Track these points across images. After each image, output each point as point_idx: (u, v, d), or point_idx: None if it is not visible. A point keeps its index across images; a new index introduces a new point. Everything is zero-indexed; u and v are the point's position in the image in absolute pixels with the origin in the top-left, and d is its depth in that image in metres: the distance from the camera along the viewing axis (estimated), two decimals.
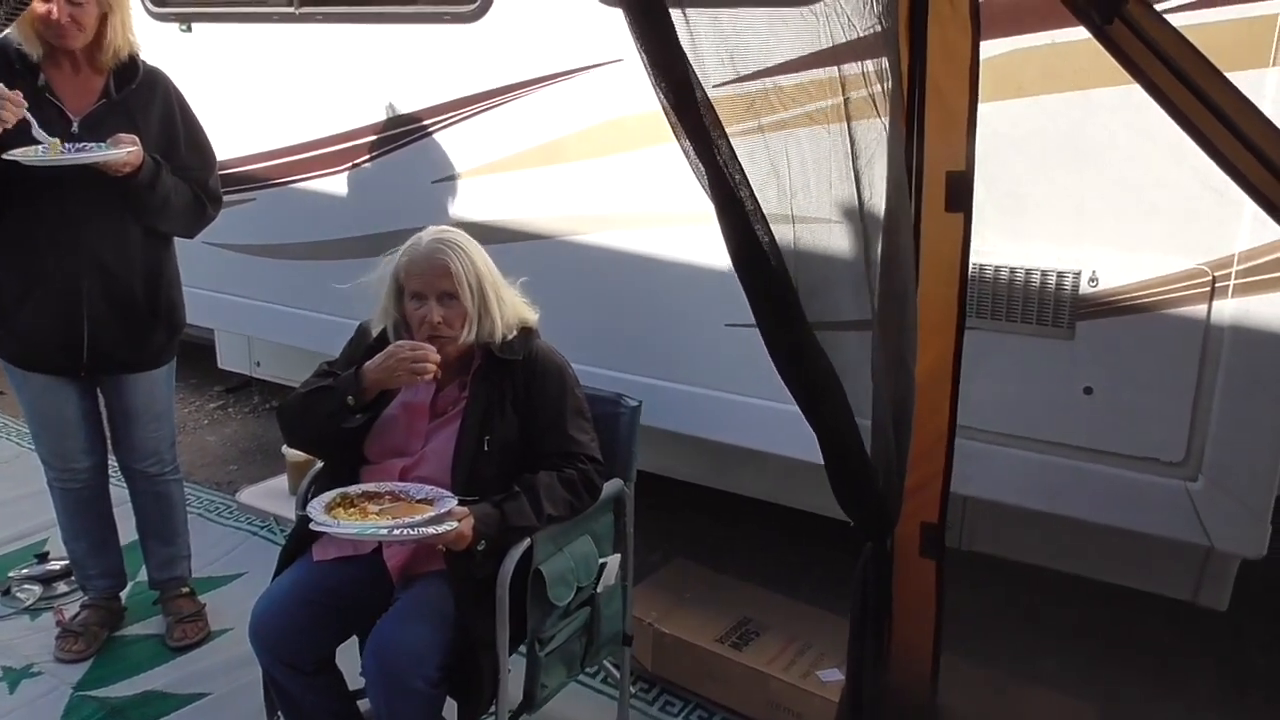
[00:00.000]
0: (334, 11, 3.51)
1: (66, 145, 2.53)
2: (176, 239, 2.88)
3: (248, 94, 3.74)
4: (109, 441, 2.98)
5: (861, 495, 1.54)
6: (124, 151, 2.50)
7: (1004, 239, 2.37)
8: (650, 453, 2.63)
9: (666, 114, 1.27)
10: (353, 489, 2.19)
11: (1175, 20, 2.09)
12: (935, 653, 1.65)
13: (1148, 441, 2.33)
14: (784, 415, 2.76)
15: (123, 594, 3.14)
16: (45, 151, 2.48)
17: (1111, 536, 2.49)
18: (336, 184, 3.59)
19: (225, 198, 2.92)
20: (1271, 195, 1.37)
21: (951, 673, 1.85)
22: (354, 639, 2.29)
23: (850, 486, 1.54)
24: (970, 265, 2.40)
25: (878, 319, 1.57)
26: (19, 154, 2.45)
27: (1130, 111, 2.03)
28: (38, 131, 2.47)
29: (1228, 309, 2.20)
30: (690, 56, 1.25)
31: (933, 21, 1.55)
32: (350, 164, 3.54)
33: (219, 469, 4.36)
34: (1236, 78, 2.03)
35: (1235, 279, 2.19)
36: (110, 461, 3.00)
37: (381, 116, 3.41)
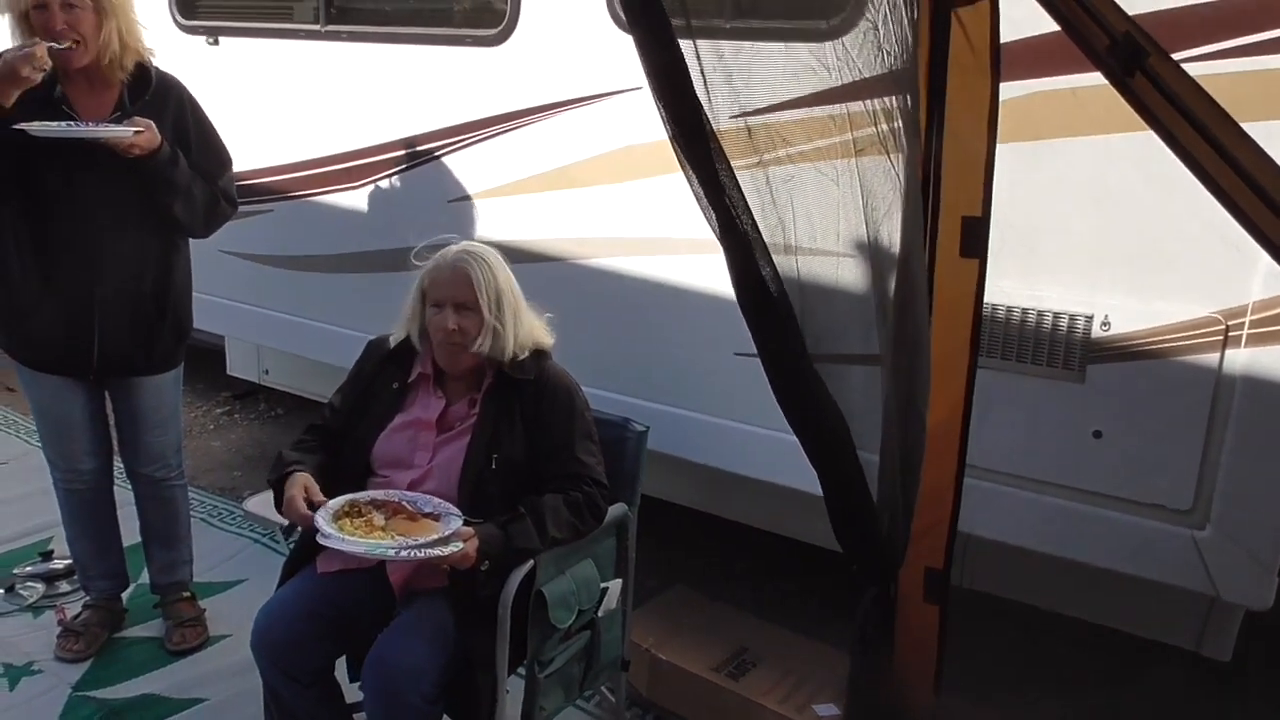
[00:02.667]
0: (359, 31, 3.55)
1: (78, 123, 2.55)
2: (191, 245, 2.90)
3: (271, 107, 3.77)
4: (115, 444, 2.99)
5: (865, 539, 1.54)
6: (130, 130, 2.51)
7: (1017, 280, 2.37)
8: (653, 478, 2.63)
9: (672, 144, 1.28)
10: (361, 496, 2.19)
11: (1193, 69, 2.11)
12: (935, 696, 1.64)
13: (1156, 488, 2.32)
14: (788, 445, 2.77)
15: (124, 595, 3.15)
16: (61, 127, 2.49)
17: (1116, 582, 2.48)
18: (354, 199, 3.62)
19: (243, 207, 2.94)
20: None
21: (950, 714, 1.84)
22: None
23: (853, 530, 1.53)
24: (986, 305, 2.44)
25: (889, 362, 1.57)
26: (30, 125, 2.45)
27: (1148, 159, 2.04)
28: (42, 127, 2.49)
29: (1240, 358, 2.20)
30: (700, 89, 1.26)
31: (953, 66, 1.56)
32: (369, 180, 3.57)
33: (223, 474, 4.37)
34: (1253, 128, 2.05)
35: (1249, 329, 2.19)
36: (116, 464, 3.01)
37: (402, 135, 3.44)
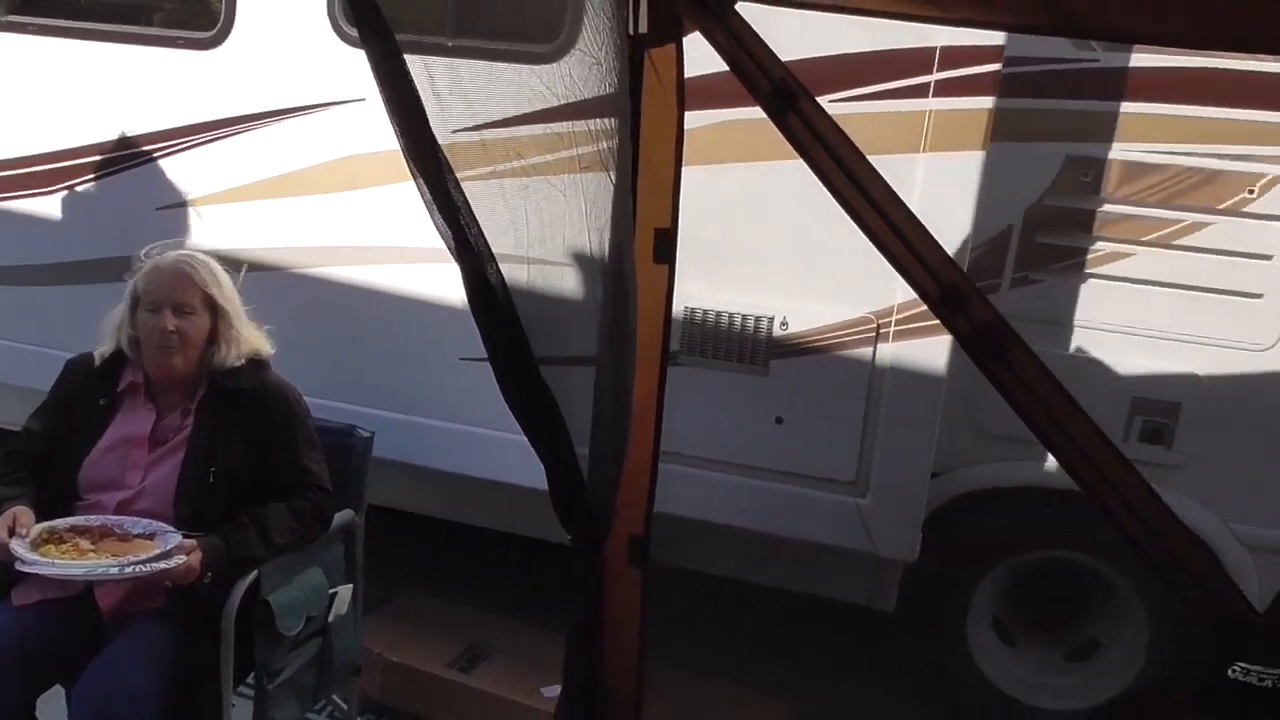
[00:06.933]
0: (48, 24, 3.30)
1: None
2: None
3: None
4: None
5: (578, 512, 1.72)
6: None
7: (710, 287, 2.68)
8: (383, 485, 2.69)
9: (404, 155, 1.39)
10: (60, 523, 2.10)
11: (844, 108, 2.49)
12: (641, 658, 1.85)
13: (827, 464, 2.72)
14: (515, 445, 2.91)
15: None
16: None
17: (797, 549, 2.85)
18: (49, 205, 3.36)
19: None
20: (904, 261, 1.70)
21: (658, 679, 2.06)
22: (57, 689, 2.17)
23: (569, 505, 1.71)
24: (683, 310, 2.74)
25: (606, 354, 1.76)
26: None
27: (807, 182, 2.37)
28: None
29: (889, 351, 2.63)
30: (429, 103, 1.38)
31: (646, 97, 1.77)
32: (66, 184, 3.32)
33: None
34: (895, 160, 2.46)
35: (895, 326, 2.61)
36: None
37: (105, 137, 3.25)
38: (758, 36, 1.74)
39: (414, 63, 1.35)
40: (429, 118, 1.36)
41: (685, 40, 1.77)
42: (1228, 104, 2.68)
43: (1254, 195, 2.70)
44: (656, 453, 1.78)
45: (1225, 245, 2.73)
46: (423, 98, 1.35)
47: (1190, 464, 2.78)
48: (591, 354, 1.77)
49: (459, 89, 1.44)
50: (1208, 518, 2.76)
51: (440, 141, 1.37)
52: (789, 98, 1.73)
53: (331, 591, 2.37)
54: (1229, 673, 1.56)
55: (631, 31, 1.76)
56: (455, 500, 3.33)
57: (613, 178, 1.67)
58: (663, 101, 1.80)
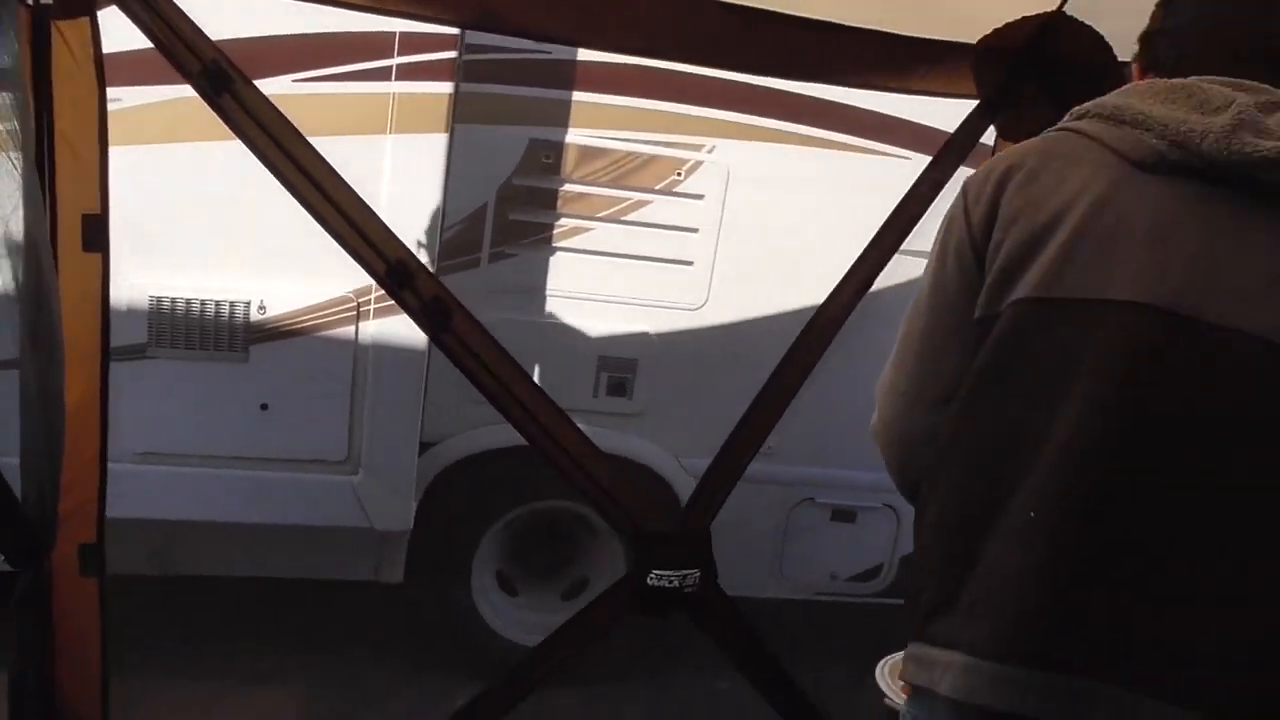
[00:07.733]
0: None
1: None
2: None
3: None
4: None
5: (12, 527, 1.56)
6: None
7: (178, 274, 2.53)
8: None
9: None
10: None
11: (306, 88, 2.49)
12: (105, 672, 1.73)
13: (317, 446, 2.73)
14: None
15: None
16: None
17: (301, 536, 2.82)
18: None
19: None
20: (350, 241, 1.77)
21: (129, 689, 1.93)
22: None
23: None
24: (149, 300, 2.56)
25: (29, 358, 1.59)
26: None
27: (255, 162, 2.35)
28: None
29: (370, 329, 2.69)
30: None
31: (58, 74, 1.63)
32: None
33: None
34: (364, 141, 2.50)
35: (375, 304, 2.68)
36: None
37: None
38: (183, 14, 1.68)
39: None
40: None
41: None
42: (657, 97, 3.10)
43: (682, 177, 3.17)
44: (104, 454, 1.67)
45: (663, 220, 3.18)
46: None
47: (647, 411, 3.22)
48: (10, 356, 1.60)
49: None
50: (662, 455, 3.22)
51: None
52: (223, 79, 1.69)
53: None
54: (648, 580, 1.87)
55: (31, 1, 1.60)
56: None
57: (16, 161, 1.51)
58: (78, 78, 1.66)
